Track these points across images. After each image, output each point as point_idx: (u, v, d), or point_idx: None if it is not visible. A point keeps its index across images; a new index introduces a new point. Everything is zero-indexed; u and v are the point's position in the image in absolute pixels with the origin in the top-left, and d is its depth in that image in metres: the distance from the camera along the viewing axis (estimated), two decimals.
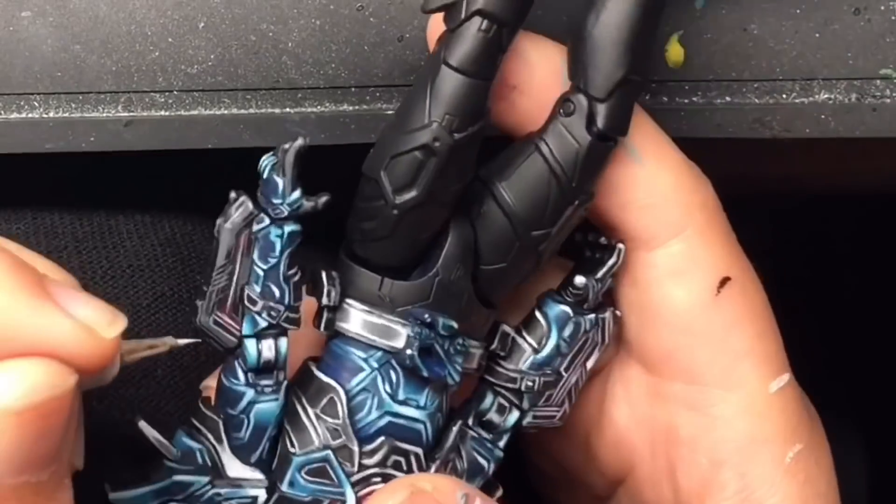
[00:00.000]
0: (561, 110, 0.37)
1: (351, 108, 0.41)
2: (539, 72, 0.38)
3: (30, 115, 0.40)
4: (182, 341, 0.38)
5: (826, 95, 0.42)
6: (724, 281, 0.40)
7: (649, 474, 0.42)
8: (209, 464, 0.38)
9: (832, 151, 0.46)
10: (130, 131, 0.41)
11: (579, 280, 0.39)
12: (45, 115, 0.40)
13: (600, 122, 0.37)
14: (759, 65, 0.42)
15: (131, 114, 0.41)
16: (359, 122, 0.41)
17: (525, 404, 0.40)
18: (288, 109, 0.41)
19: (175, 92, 0.41)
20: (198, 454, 0.38)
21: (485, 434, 0.40)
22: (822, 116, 0.42)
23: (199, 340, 0.38)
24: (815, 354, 0.47)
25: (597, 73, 0.36)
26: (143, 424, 0.38)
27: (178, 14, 0.40)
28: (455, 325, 0.38)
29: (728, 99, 0.42)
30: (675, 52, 0.42)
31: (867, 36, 0.42)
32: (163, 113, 0.41)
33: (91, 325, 0.33)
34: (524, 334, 0.40)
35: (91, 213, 0.44)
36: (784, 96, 0.42)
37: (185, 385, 0.43)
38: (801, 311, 0.52)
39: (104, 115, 0.41)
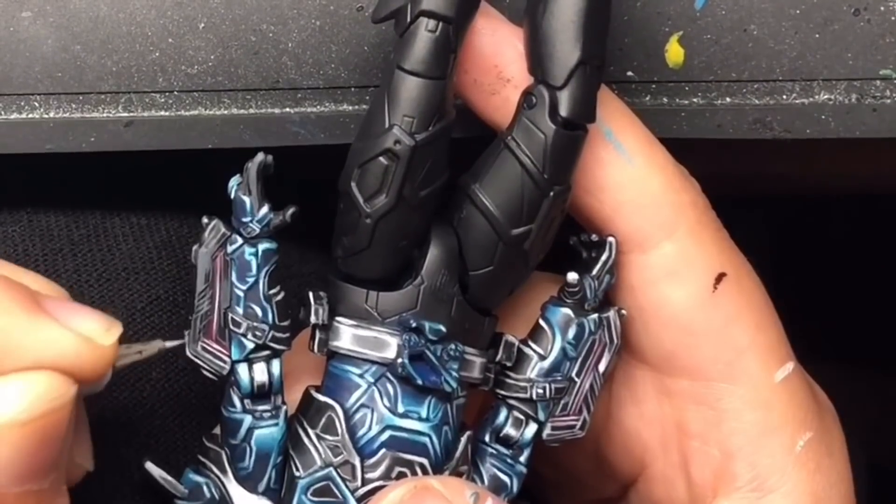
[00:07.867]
0: (525, 104, 0.37)
1: (351, 108, 0.41)
2: None
3: (30, 116, 0.40)
4: (170, 343, 0.38)
5: (826, 96, 0.42)
6: (720, 277, 0.40)
7: (662, 472, 0.42)
8: (216, 497, 0.39)
9: (832, 151, 0.46)
10: (131, 132, 0.41)
11: (572, 276, 0.39)
12: (45, 116, 0.40)
13: (563, 109, 0.37)
14: (759, 65, 0.42)
15: (131, 114, 0.41)
16: (359, 122, 0.41)
17: (541, 415, 0.40)
18: (288, 109, 0.41)
19: (175, 92, 0.41)
20: (205, 488, 0.39)
21: (504, 450, 0.40)
22: (823, 117, 0.42)
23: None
24: (816, 354, 0.47)
25: (551, 62, 0.37)
26: (149, 465, 0.39)
27: (179, 14, 0.40)
28: (443, 328, 0.38)
29: (728, 100, 0.42)
30: (675, 52, 0.42)
31: (867, 36, 0.42)
32: (163, 113, 0.41)
33: (88, 334, 0.34)
34: (530, 343, 0.40)
35: (87, 216, 0.44)
36: (784, 97, 0.42)
37: (181, 387, 0.43)
38: (801, 311, 0.52)
39: (104, 115, 0.41)
